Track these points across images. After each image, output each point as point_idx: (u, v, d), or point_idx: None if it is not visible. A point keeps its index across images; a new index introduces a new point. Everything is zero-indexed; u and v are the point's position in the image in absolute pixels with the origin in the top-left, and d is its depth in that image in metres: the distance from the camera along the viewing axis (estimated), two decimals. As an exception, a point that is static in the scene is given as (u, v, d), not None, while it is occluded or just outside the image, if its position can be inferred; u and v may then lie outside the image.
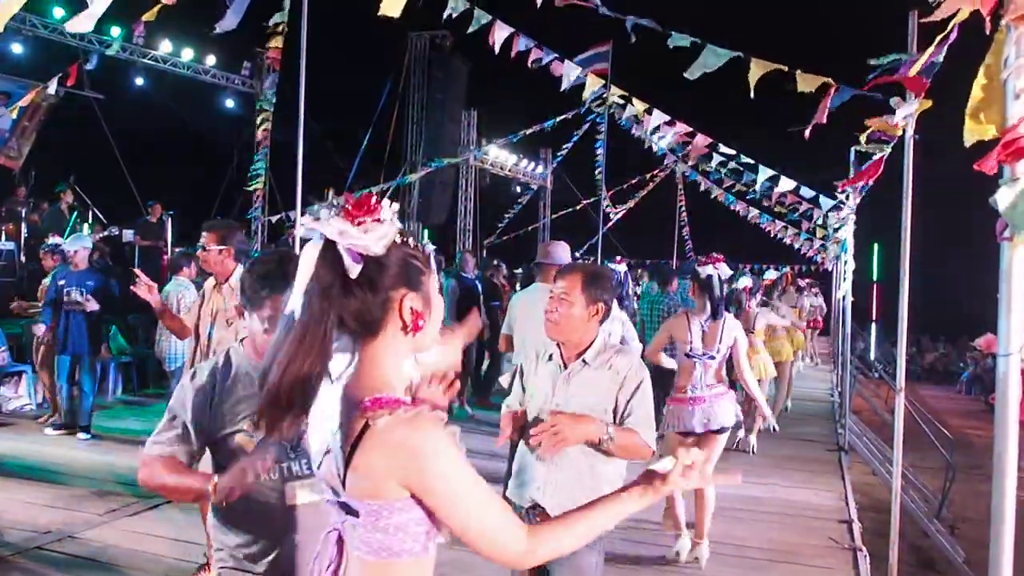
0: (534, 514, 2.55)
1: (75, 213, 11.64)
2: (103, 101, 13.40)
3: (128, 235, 11.68)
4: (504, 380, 4.89)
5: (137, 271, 4.25)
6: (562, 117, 14.07)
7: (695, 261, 5.13)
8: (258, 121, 10.70)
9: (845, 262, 8.90)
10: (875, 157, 4.21)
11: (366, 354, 1.31)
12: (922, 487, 7.67)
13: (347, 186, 13.69)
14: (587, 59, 7.51)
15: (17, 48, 12.08)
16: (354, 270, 1.24)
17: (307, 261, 1.25)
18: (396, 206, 1.30)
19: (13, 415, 7.83)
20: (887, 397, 12.24)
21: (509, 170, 22.07)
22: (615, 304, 3.23)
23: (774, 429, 8.51)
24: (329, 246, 1.25)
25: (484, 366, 9.39)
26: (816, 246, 13.68)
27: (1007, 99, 1.82)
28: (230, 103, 15.82)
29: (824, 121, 3.74)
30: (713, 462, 4.50)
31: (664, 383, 4.38)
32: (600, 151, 11.08)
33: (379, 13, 4.01)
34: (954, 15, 2.06)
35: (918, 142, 3.70)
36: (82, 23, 3.81)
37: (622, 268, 8.25)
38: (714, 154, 8.51)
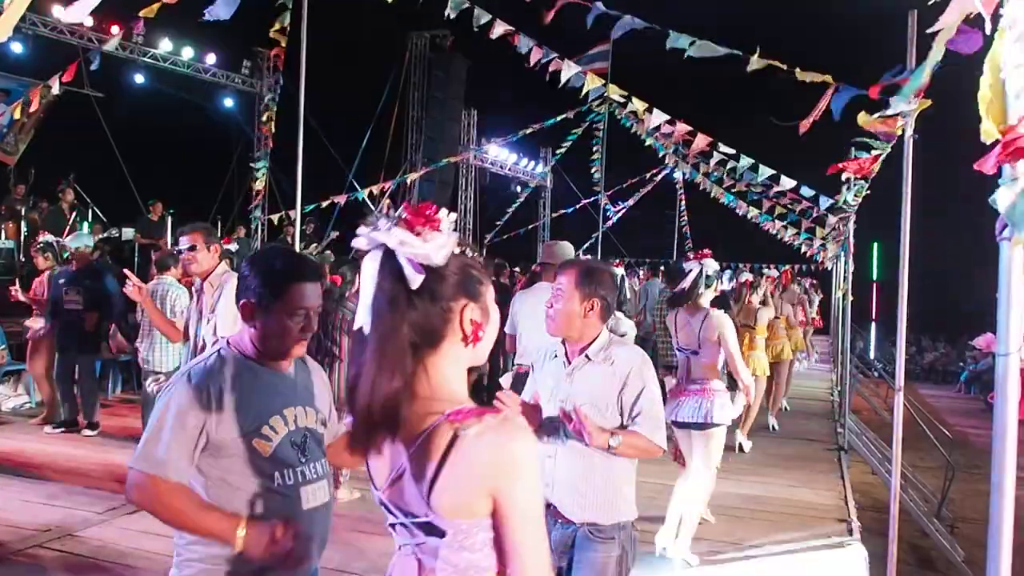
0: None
1: (75, 212, 11.64)
2: (103, 99, 13.39)
3: (128, 234, 11.68)
4: (505, 380, 4.90)
5: (127, 272, 4.30)
6: (562, 116, 14.05)
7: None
8: (263, 119, 10.68)
9: (845, 262, 8.90)
10: (873, 152, 4.21)
11: (427, 367, 1.26)
12: (921, 486, 7.70)
13: (346, 186, 13.66)
14: (588, 58, 7.52)
15: (17, 47, 12.07)
16: (415, 280, 1.21)
17: (369, 273, 1.23)
18: (454, 216, 1.26)
19: (12, 413, 7.84)
20: (887, 396, 12.27)
21: (509, 169, 22.07)
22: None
23: (773, 428, 8.57)
24: (389, 256, 1.22)
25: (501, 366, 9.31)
26: (816, 246, 13.64)
27: (1007, 98, 1.82)
28: (230, 102, 15.83)
29: (817, 118, 3.72)
30: (713, 456, 4.52)
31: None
32: (597, 148, 11.06)
33: None
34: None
35: (917, 142, 3.70)
36: (75, 13, 3.80)
37: (620, 271, 8.24)
38: (714, 152, 8.49)
